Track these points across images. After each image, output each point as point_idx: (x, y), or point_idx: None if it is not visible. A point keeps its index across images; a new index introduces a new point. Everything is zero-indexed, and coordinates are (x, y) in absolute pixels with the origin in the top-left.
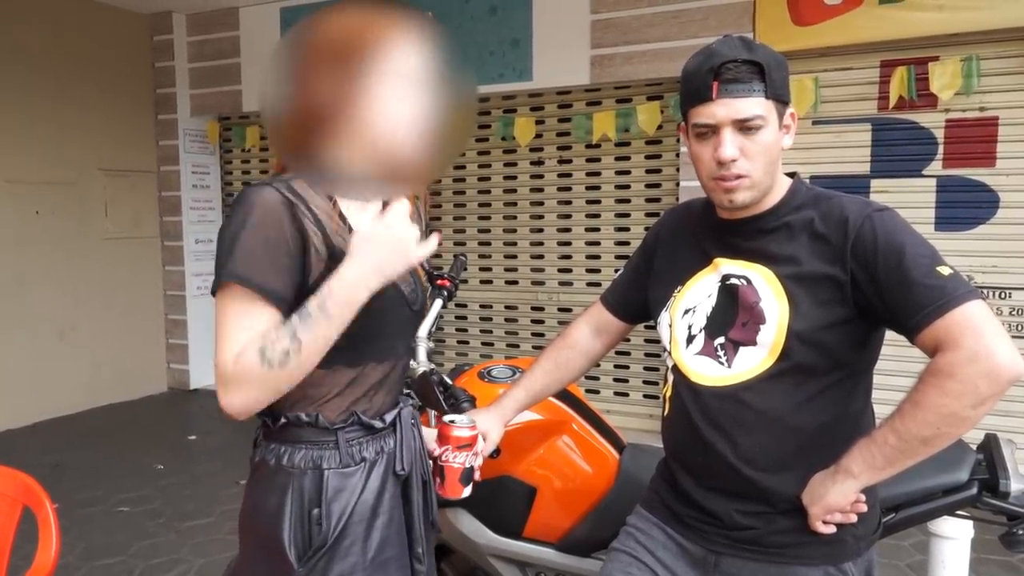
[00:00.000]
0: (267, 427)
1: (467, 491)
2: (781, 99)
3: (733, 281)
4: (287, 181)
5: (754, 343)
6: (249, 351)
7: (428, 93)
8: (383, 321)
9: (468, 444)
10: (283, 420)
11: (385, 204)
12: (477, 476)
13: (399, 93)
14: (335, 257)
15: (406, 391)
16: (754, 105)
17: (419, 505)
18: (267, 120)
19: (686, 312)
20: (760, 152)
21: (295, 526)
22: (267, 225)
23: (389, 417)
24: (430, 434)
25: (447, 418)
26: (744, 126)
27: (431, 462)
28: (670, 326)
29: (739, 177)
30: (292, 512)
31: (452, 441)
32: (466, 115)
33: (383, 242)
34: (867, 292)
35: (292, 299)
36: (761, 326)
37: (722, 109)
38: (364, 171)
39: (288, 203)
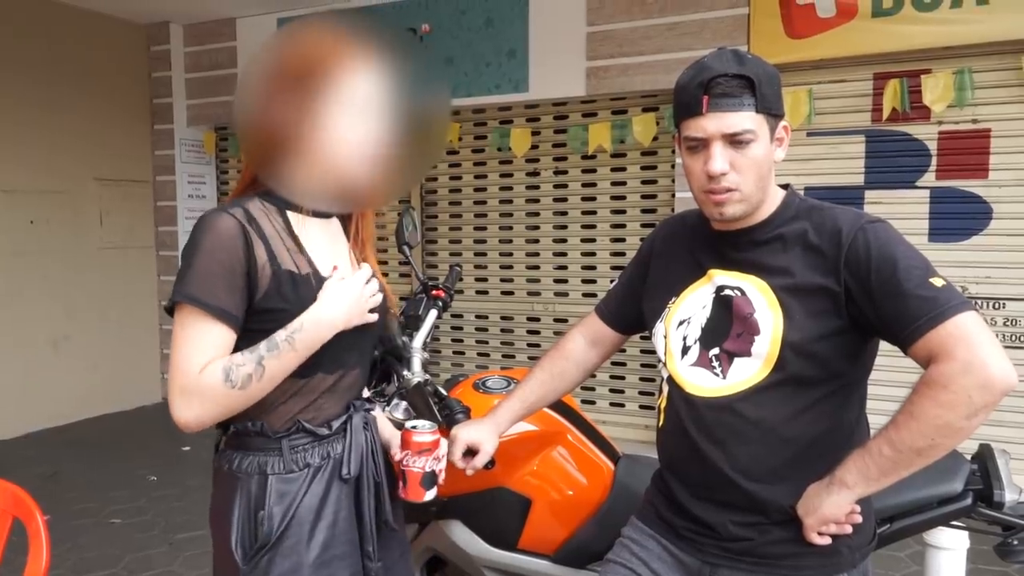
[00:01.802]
0: (224, 436)
1: (429, 495)
2: (773, 113)
3: (727, 292)
4: (242, 205)
5: (748, 354)
6: (214, 369)
7: (389, 114)
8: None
9: (428, 449)
10: (233, 429)
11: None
12: (441, 480)
13: (356, 116)
14: (279, 277)
15: (365, 397)
16: (744, 119)
17: (370, 506)
18: (238, 132)
19: (681, 323)
20: (750, 166)
21: (242, 528)
22: (220, 249)
23: (336, 424)
24: (396, 439)
25: (409, 424)
26: (734, 140)
27: (393, 465)
28: (665, 337)
29: (729, 190)
30: (239, 514)
31: (412, 446)
32: (436, 132)
33: (349, 296)
34: (860, 303)
35: (242, 317)
36: (755, 337)
37: (712, 123)
38: (326, 186)
39: (241, 227)
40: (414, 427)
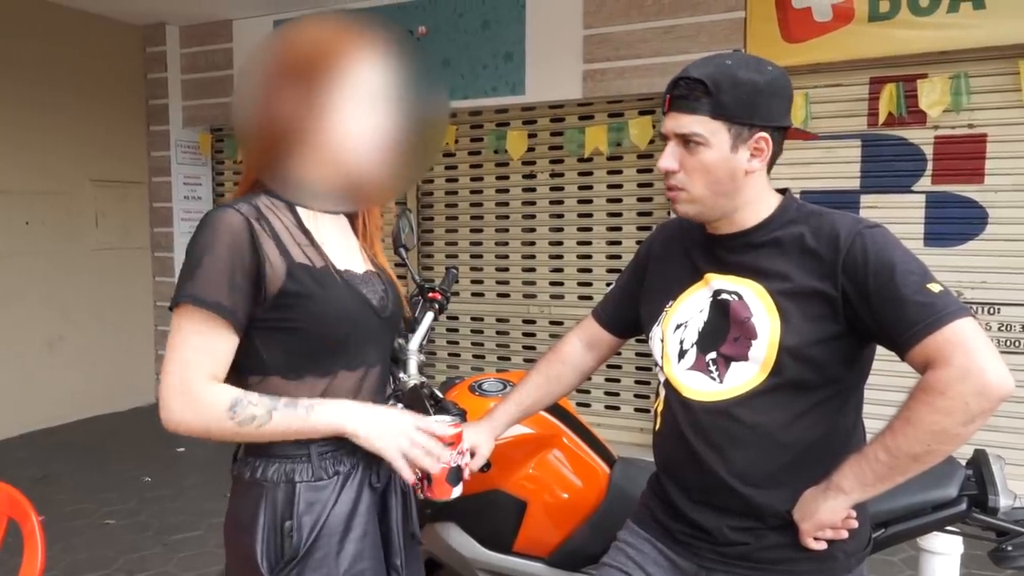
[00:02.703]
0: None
1: (456, 491)
2: (737, 120)
3: (724, 296)
4: (250, 201)
5: (746, 358)
6: (224, 394)
7: (392, 110)
8: (350, 330)
9: (452, 443)
10: None
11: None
12: (466, 475)
13: (360, 111)
14: (294, 272)
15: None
16: (694, 122)
17: (398, 516)
18: (237, 132)
19: (678, 327)
20: (697, 169)
21: (268, 538)
22: (225, 247)
23: None
24: None
25: (430, 418)
26: (685, 141)
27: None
28: (662, 341)
29: (678, 189)
30: (265, 524)
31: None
32: (435, 131)
33: (392, 426)
34: (858, 308)
35: (244, 318)
36: (752, 341)
37: (670, 122)
38: (328, 184)
39: (248, 225)
40: (435, 421)
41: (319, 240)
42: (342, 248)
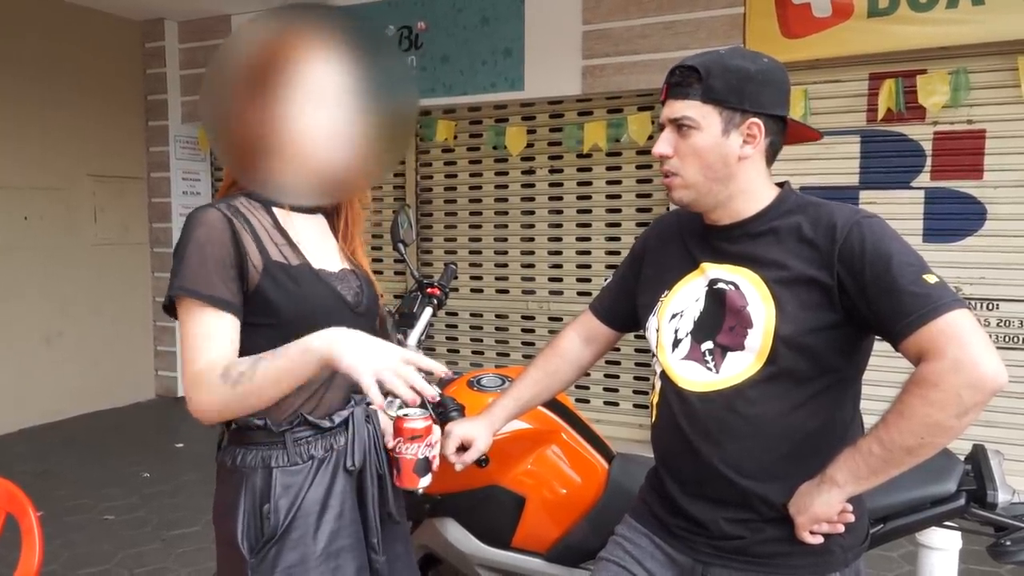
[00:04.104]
0: (226, 431)
1: (423, 482)
2: (728, 105)
3: (721, 286)
4: (228, 202)
5: (742, 348)
6: (218, 364)
7: (356, 104)
8: (326, 325)
9: (420, 435)
10: (235, 425)
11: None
12: (435, 467)
13: (322, 107)
14: (271, 269)
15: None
16: (686, 107)
17: (374, 498)
18: (208, 135)
19: (673, 316)
20: (690, 153)
21: (248, 521)
22: (210, 242)
23: (339, 417)
24: (389, 428)
25: (401, 411)
26: (678, 126)
27: (388, 455)
28: (657, 331)
29: (672, 175)
30: (245, 508)
31: (404, 433)
32: (403, 124)
33: (374, 350)
34: (854, 297)
35: (240, 305)
36: (748, 330)
37: (666, 109)
38: (299, 180)
39: (227, 220)
40: (406, 414)
41: (295, 240)
42: (318, 248)
